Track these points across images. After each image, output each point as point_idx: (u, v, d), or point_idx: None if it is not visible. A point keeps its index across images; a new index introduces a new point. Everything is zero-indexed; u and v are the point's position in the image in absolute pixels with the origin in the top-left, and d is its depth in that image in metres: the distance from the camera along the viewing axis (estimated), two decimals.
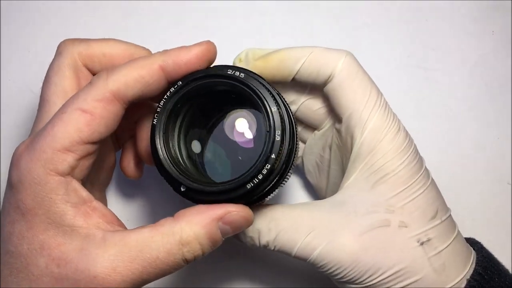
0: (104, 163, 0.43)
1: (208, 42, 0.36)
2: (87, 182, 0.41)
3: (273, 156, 0.32)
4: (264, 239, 0.37)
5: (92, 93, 0.34)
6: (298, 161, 0.47)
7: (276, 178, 0.34)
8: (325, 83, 0.38)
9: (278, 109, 0.33)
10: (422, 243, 0.36)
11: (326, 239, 0.36)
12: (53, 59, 0.39)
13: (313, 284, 0.48)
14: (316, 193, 0.48)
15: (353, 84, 0.37)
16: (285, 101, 0.36)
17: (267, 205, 0.38)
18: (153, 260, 0.32)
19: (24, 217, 0.33)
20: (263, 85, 0.34)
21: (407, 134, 0.38)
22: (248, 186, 0.32)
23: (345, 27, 0.55)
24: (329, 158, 0.42)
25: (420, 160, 0.38)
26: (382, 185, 0.36)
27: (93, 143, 0.34)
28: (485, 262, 0.38)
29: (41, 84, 0.52)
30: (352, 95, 0.37)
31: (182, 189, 0.34)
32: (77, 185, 0.34)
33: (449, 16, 0.55)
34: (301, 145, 0.46)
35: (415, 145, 0.38)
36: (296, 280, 0.49)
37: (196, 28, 0.54)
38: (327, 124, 0.42)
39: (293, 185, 0.51)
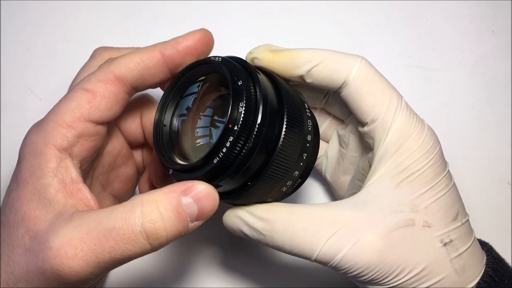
0: (119, 171, 0.44)
1: (203, 29, 0.38)
2: (95, 182, 0.42)
3: (235, 128, 0.31)
4: (278, 240, 0.35)
5: (96, 75, 0.37)
6: (316, 162, 0.46)
7: (248, 149, 0.32)
8: (340, 88, 0.37)
9: (246, 83, 0.33)
10: (445, 244, 0.36)
11: (352, 240, 0.34)
12: (86, 62, 0.41)
13: (315, 284, 0.48)
14: (333, 194, 0.48)
15: (371, 89, 0.37)
16: (278, 80, 0.36)
17: (282, 203, 0.37)
18: (109, 231, 0.31)
19: (18, 187, 0.34)
20: (241, 65, 0.34)
21: (433, 133, 0.38)
22: (215, 160, 0.32)
23: (345, 27, 0.55)
24: (352, 155, 0.42)
25: (444, 162, 0.38)
26: (407, 185, 0.36)
27: (94, 122, 0.36)
28: (495, 264, 0.38)
29: (41, 84, 0.53)
30: (371, 100, 0.37)
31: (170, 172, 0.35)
32: (70, 163, 0.35)
33: (449, 16, 0.55)
34: (322, 144, 0.46)
35: (440, 146, 0.38)
36: (297, 280, 0.49)
37: (195, 28, 0.54)
38: (349, 124, 0.43)
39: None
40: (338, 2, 0.55)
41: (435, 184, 0.36)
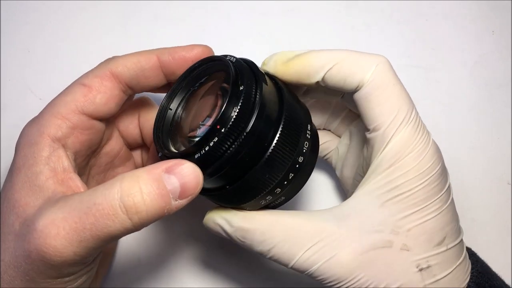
0: (116, 172, 0.44)
1: (205, 45, 0.39)
2: (92, 180, 0.42)
3: (222, 130, 0.31)
4: (258, 248, 0.36)
5: (93, 72, 0.38)
6: (327, 156, 0.47)
7: (229, 154, 0.32)
8: (354, 91, 0.36)
9: (248, 89, 0.32)
10: (421, 269, 0.35)
11: (327, 255, 0.35)
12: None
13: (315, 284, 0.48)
14: (342, 189, 0.48)
15: (381, 97, 0.35)
16: (284, 94, 0.35)
17: (262, 212, 0.36)
18: (90, 208, 0.30)
19: (11, 176, 0.35)
20: (252, 69, 0.34)
21: (435, 151, 0.36)
22: (196, 156, 0.32)
23: (345, 27, 0.55)
24: (358, 153, 0.42)
25: (443, 181, 0.36)
26: (393, 205, 0.35)
27: (89, 116, 0.37)
28: (479, 278, 0.37)
29: (41, 84, 0.53)
30: (378, 109, 0.35)
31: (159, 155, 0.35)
32: (63, 153, 0.35)
33: (449, 16, 0.55)
34: (334, 138, 0.46)
35: (443, 163, 0.36)
36: (297, 279, 0.49)
37: (195, 29, 0.54)
38: (361, 122, 0.41)
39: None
40: (338, 2, 0.55)
41: (425, 207, 0.35)
